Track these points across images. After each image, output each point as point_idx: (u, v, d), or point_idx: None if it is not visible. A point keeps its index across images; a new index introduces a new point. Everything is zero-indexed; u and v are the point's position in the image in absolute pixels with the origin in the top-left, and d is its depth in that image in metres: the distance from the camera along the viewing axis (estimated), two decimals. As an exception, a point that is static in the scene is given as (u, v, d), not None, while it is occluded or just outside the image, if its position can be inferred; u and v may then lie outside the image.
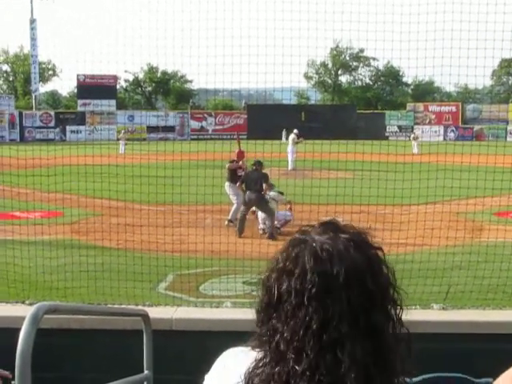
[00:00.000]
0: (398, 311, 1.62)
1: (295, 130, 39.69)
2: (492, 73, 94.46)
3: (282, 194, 18.02)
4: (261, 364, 1.61)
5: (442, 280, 8.81)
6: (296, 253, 1.62)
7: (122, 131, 57.03)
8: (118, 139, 53.97)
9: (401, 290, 1.65)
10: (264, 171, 18.04)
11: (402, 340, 1.60)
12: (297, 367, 1.53)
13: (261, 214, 17.51)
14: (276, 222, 17.20)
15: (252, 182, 17.38)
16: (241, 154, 19.70)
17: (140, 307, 6.13)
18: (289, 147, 37.14)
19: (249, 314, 1.70)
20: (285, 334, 1.57)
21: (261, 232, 17.29)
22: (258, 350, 1.63)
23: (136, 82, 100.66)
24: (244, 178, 17.84)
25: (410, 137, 56.66)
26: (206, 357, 2.25)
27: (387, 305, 1.58)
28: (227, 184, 18.97)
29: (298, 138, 38.08)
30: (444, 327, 5.78)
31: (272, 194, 17.88)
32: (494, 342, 5.52)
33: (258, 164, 17.91)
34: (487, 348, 5.43)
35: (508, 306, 6.85)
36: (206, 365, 1.98)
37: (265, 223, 17.28)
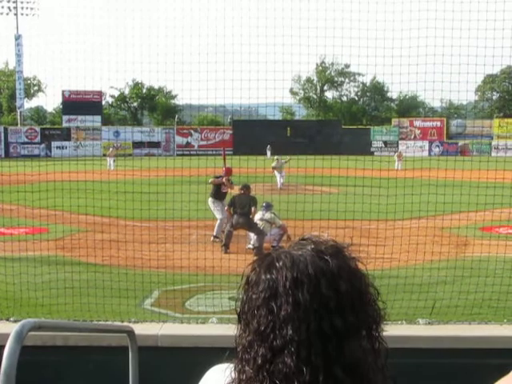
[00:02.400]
0: (372, 321, 1.61)
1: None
2: (476, 88, 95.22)
3: (277, 216, 17.86)
4: (232, 377, 1.64)
5: (428, 295, 8.84)
6: (257, 265, 1.66)
7: (110, 148, 56.97)
8: (104, 155, 53.90)
9: (379, 302, 1.65)
10: (252, 194, 18.06)
11: (375, 350, 1.60)
12: (252, 374, 1.56)
13: (252, 235, 17.48)
14: (274, 243, 17.13)
15: (240, 205, 17.36)
16: (229, 171, 19.67)
17: (125, 323, 6.09)
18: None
19: (235, 330, 1.71)
20: (243, 341, 1.60)
21: (249, 247, 17.27)
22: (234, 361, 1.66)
23: (121, 98, 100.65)
24: (232, 202, 17.80)
25: (394, 153, 56.80)
26: (191, 373, 2.24)
27: (350, 312, 1.56)
28: (210, 200, 18.96)
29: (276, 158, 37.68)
30: (430, 342, 5.77)
31: (267, 216, 17.80)
32: (480, 357, 5.53)
33: (246, 188, 17.88)
34: (473, 363, 5.43)
35: (493, 321, 6.86)
36: (191, 381, 1.98)
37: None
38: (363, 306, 1.59)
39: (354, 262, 1.65)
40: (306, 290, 1.54)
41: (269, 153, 57.74)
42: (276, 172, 35.78)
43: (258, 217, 17.70)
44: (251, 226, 17.27)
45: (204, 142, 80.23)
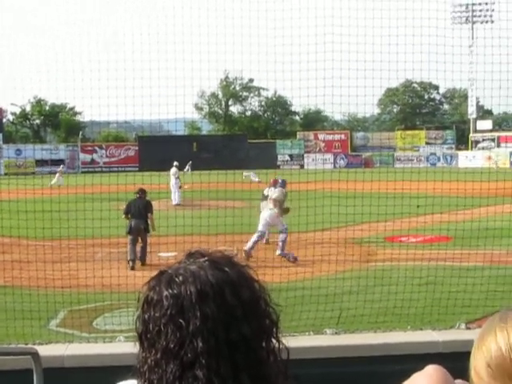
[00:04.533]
0: (272, 325, 1.64)
1: (175, 163, 37.76)
2: (378, 102, 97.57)
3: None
4: None
5: (335, 305, 8.97)
6: (155, 283, 1.65)
7: (61, 166, 57.15)
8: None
9: (273, 304, 1.68)
10: (147, 199, 18.33)
11: (276, 353, 1.62)
12: None
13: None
14: (278, 251, 16.92)
15: (136, 209, 17.43)
16: (275, 182, 20.27)
17: (29, 346, 5.94)
18: (172, 180, 35.28)
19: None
20: (149, 361, 1.59)
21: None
22: (137, 381, 1.64)
23: (23, 115, 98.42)
24: (128, 207, 17.79)
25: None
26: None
27: (254, 318, 1.59)
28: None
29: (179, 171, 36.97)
30: (337, 351, 5.85)
31: (276, 194, 17.95)
32: (385, 364, 5.63)
33: (142, 192, 18.11)
34: (378, 370, 5.53)
35: (398, 328, 7.02)
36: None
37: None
38: (264, 310, 1.62)
39: (246, 269, 1.68)
40: (211, 302, 1.55)
41: (188, 168, 57.99)
42: (173, 185, 34.78)
43: (267, 193, 18.31)
44: (143, 233, 17.34)
45: (109, 159, 79.38)
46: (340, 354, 5.81)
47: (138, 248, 17.41)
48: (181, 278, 1.60)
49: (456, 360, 1.93)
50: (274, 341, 1.63)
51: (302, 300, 8.52)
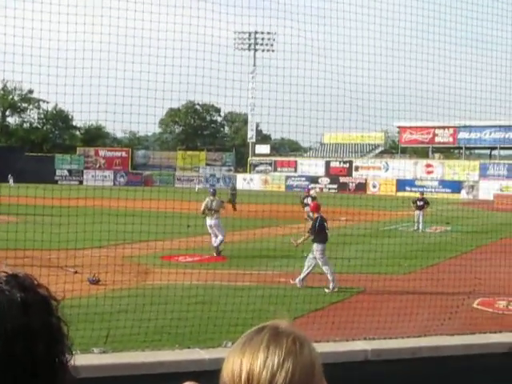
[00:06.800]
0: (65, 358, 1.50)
1: None
2: (160, 121, 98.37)
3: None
4: None
5: (107, 324, 8.92)
6: None
7: None
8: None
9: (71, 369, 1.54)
10: None
11: None
12: None
13: None
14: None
15: None
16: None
17: None
18: None
19: None
20: None
21: None
22: None
23: None
24: None
25: None
26: None
27: (43, 372, 1.44)
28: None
29: None
30: (104, 371, 5.82)
31: (215, 204, 21.99)
32: (154, 382, 5.70)
33: None
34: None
35: (167, 347, 7.12)
36: None
37: None
38: (55, 371, 1.47)
39: (55, 319, 1.52)
40: None
41: (11, 181, 56.92)
42: None
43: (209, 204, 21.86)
44: None
45: None
46: (107, 373, 5.78)
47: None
48: None
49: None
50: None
51: (71, 318, 8.37)
